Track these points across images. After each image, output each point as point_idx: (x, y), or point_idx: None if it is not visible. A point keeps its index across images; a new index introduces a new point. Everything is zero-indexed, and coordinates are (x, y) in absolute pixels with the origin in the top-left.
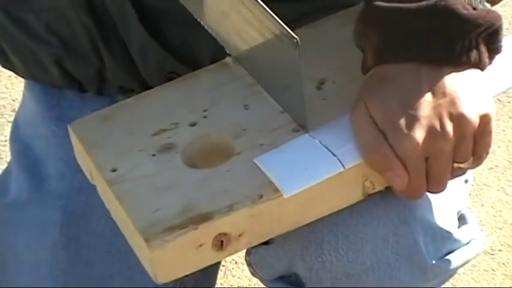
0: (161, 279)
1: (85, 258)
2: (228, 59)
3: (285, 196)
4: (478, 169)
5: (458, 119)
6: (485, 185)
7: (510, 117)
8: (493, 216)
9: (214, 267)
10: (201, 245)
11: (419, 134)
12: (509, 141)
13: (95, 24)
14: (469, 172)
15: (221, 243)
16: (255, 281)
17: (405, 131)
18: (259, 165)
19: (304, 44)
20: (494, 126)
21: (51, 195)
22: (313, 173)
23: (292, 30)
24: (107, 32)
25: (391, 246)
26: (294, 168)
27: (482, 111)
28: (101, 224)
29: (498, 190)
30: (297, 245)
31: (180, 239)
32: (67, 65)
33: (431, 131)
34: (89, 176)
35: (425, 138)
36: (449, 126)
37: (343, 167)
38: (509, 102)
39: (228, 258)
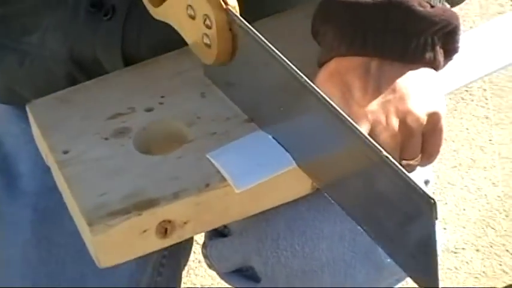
0: (104, 264)
1: (56, 257)
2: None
3: (236, 191)
4: (442, 167)
5: (405, 115)
6: (448, 183)
7: (473, 116)
8: (456, 214)
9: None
10: (144, 231)
11: (364, 127)
12: (473, 139)
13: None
14: (429, 172)
15: (165, 230)
16: (218, 280)
17: None
18: (211, 160)
19: (268, 35)
20: (444, 125)
21: (22, 194)
22: (266, 169)
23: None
24: (90, 77)
25: (347, 243)
26: (246, 164)
27: (431, 109)
28: (73, 224)
29: (462, 188)
30: (253, 239)
31: (123, 225)
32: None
33: (376, 125)
34: (45, 158)
35: (370, 134)
36: (395, 122)
37: (295, 163)
38: (473, 101)
39: (192, 257)
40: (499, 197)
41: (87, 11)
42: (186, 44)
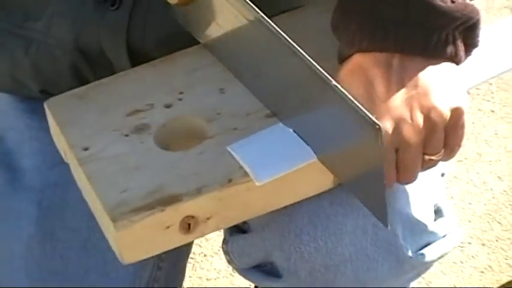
0: (127, 260)
1: (60, 253)
2: (207, 42)
3: (257, 184)
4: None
5: (429, 111)
6: (454, 177)
7: (479, 110)
8: (462, 208)
9: (184, 261)
10: (168, 227)
11: (388, 124)
12: (479, 133)
13: (86, 64)
14: (445, 165)
15: (188, 225)
16: (224, 274)
17: None
18: (232, 152)
19: (283, 31)
20: (466, 120)
21: (26, 189)
22: (286, 162)
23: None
24: (96, 70)
25: (370, 237)
26: (266, 157)
27: (454, 105)
28: (77, 219)
29: (467, 183)
30: (275, 234)
31: (146, 220)
32: (49, 91)
33: (400, 122)
34: (63, 155)
35: (395, 130)
36: (419, 118)
37: (316, 156)
38: (478, 95)
39: (197, 251)
40: (504, 191)
41: (94, 0)
42: (192, 38)
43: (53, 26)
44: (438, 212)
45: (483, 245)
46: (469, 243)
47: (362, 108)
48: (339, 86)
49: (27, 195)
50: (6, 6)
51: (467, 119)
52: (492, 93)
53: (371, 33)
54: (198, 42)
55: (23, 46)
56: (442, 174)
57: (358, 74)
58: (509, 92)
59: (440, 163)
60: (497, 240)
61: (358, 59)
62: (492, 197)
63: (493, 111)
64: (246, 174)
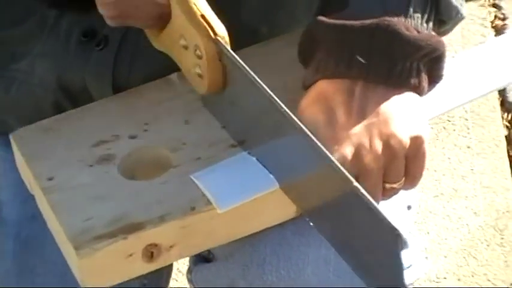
0: None
1: (38, 287)
2: (173, 75)
3: (218, 211)
4: (424, 196)
5: (388, 138)
6: (430, 212)
7: (455, 145)
8: (438, 244)
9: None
10: (130, 255)
11: (347, 150)
12: (454, 169)
13: (68, 101)
14: (412, 198)
15: (151, 254)
16: None
17: (333, 147)
18: (195, 181)
19: (253, 63)
20: (427, 148)
21: (3, 223)
22: (248, 190)
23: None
24: (78, 106)
25: (332, 267)
26: (229, 185)
27: (414, 133)
28: (55, 253)
29: (443, 218)
30: (238, 264)
31: (109, 248)
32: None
33: (359, 148)
34: (28, 186)
35: (354, 156)
36: (378, 145)
37: (278, 185)
38: (454, 130)
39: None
40: (480, 226)
41: (79, 40)
42: None
43: (36, 66)
44: (404, 244)
45: (459, 280)
46: (445, 278)
47: (317, 142)
48: (297, 120)
49: (4, 228)
50: None
51: (442, 154)
52: (468, 129)
53: (336, 61)
54: None
55: (4, 86)
56: (409, 207)
57: (321, 101)
58: (485, 128)
59: (406, 196)
60: (472, 276)
61: (321, 86)
62: (468, 232)
63: (469, 147)
64: (209, 202)
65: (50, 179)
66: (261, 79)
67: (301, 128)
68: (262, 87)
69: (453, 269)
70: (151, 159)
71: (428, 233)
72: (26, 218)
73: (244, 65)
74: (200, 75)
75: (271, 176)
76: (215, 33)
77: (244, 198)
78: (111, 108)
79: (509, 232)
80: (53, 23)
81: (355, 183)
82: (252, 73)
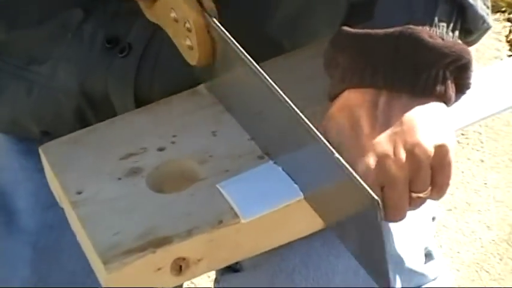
0: None
1: None
2: (200, 87)
3: (242, 221)
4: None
5: (413, 147)
6: (443, 226)
7: (468, 159)
8: (450, 257)
9: None
10: (159, 269)
11: (371, 159)
12: (468, 182)
13: (89, 108)
14: (436, 209)
15: (180, 267)
16: None
17: (358, 156)
18: (221, 190)
19: (274, 76)
20: (453, 158)
21: (21, 231)
22: (273, 200)
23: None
24: (99, 114)
25: (361, 278)
26: (254, 194)
27: (440, 142)
28: (73, 262)
29: (456, 232)
30: (267, 274)
31: (137, 262)
32: (50, 133)
33: (383, 157)
34: (58, 199)
35: (378, 165)
36: (402, 153)
37: (303, 195)
38: (468, 144)
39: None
40: (493, 240)
41: (102, 46)
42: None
43: (58, 70)
44: (428, 255)
45: None
46: None
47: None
48: (320, 136)
49: (22, 237)
50: (12, 49)
51: (455, 168)
52: (482, 142)
53: (361, 70)
54: None
55: (25, 89)
56: (433, 218)
57: (346, 111)
58: (499, 142)
59: (431, 207)
60: None
61: (346, 96)
62: (481, 246)
63: (482, 160)
64: (236, 215)
65: (79, 192)
66: (284, 91)
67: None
68: (250, 61)
69: (466, 283)
70: (178, 172)
71: (441, 246)
72: (44, 227)
73: (231, 38)
74: (190, 47)
75: (296, 185)
76: (203, 7)
77: (268, 208)
78: (139, 120)
79: None
80: (77, 27)
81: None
82: (240, 48)
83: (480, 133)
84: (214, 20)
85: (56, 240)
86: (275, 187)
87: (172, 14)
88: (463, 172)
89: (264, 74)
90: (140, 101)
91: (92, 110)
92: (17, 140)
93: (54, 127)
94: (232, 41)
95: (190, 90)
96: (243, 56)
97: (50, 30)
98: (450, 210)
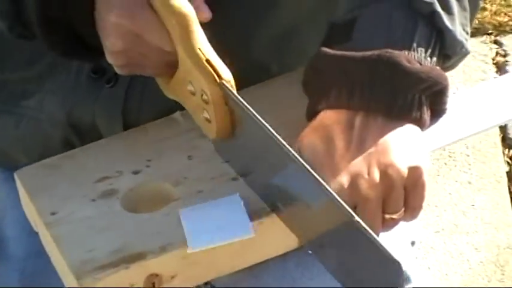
0: None
1: None
2: (176, 114)
3: (188, 251)
4: (425, 232)
5: (386, 168)
6: (431, 248)
7: (456, 181)
8: (439, 279)
9: None
10: (132, 285)
11: (345, 179)
12: (455, 204)
13: (76, 137)
14: (415, 234)
15: (153, 284)
16: None
17: (331, 176)
18: (180, 217)
19: (252, 103)
20: (426, 180)
21: (9, 258)
22: (223, 234)
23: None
24: (86, 143)
25: None
26: (207, 226)
27: (413, 164)
28: (61, 285)
29: (444, 253)
30: None
31: (111, 278)
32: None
33: (357, 178)
34: (33, 223)
35: (351, 185)
36: (376, 173)
37: (253, 233)
38: (456, 166)
39: None
40: (481, 262)
41: (89, 76)
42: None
43: (46, 102)
44: (406, 280)
45: None
46: None
47: (317, 176)
48: (296, 155)
49: (10, 264)
50: (6, 87)
51: (443, 189)
52: (469, 164)
53: (338, 91)
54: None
55: (13, 122)
56: (412, 243)
57: (320, 130)
58: (486, 164)
59: (410, 231)
60: None
61: (322, 116)
62: (469, 268)
63: (470, 182)
64: None
65: (53, 213)
66: (267, 117)
67: (302, 162)
68: (268, 129)
69: None
70: (153, 193)
71: (429, 268)
72: (31, 254)
73: (250, 108)
74: (208, 120)
75: (251, 223)
76: (220, 78)
77: (217, 242)
78: (115, 145)
79: (510, 268)
80: (64, 62)
81: (356, 218)
82: (258, 116)
83: (468, 155)
84: (232, 90)
85: (43, 266)
86: (230, 222)
87: (189, 87)
88: (450, 194)
89: (252, 110)
90: (128, 129)
91: (80, 140)
92: (4, 168)
93: (41, 157)
94: (252, 111)
95: (167, 118)
96: (261, 124)
97: (39, 70)
98: (438, 232)
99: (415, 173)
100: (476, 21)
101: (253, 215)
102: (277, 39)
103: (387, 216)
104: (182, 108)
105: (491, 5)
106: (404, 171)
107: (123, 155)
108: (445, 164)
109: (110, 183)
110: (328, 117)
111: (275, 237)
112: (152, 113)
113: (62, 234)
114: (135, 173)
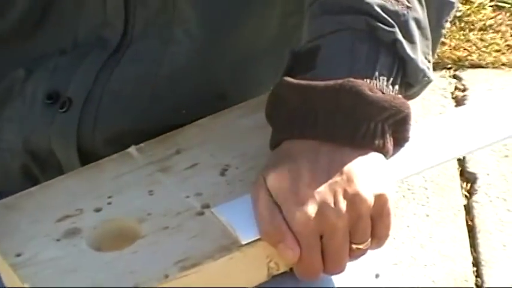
0: None
1: None
2: (131, 149)
3: (242, 242)
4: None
5: (352, 197)
6: (389, 280)
7: (414, 214)
8: None
9: None
10: None
11: (311, 208)
12: (413, 237)
13: (35, 164)
14: (380, 266)
15: None
16: None
17: (298, 205)
18: (216, 214)
19: (207, 134)
20: (392, 207)
21: None
22: None
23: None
24: (45, 170)
25: None
26: (246, 219)
27: (378, 191)
28: None
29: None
30: None
31: None
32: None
33: (324, 207)
34: None
35: (318, 214)
36: (342, 204)
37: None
38: (414, 199)
39: None
40: None
41: (43, 103)
42: (142, 135)
43: (4, 130)
44: None
45: None
46: None
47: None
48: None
49: None
50: None
51: (401, 222)
52: (427, 197)
53: (301, 122)
54: (148, 139)
55: None
56: (377, 275)
57: (285, 161)
58: (445, 197)
59: (375, 263)
60: None
61: (287, 146)
62: None
63: (428, 215)
64: (182, 268)
65: (18, 255)
66: (221, 149)
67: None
68: None
69: None
70: (118, 230)
71: None
72: None
73: None
74: None
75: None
76: None
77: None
78: (72, 183)
79: None
80: (20, 88)
81: None
82: None
83: (426, 188)
84: None
85: None
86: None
87: None
88: (408, 226)
89: None
90: (84, 154)
91: (38, 167)
92: None
93: (3, 186)
94: None
95: (121, 153)
96: None
97: None
98: (396, 264)
99: (380, 200)
100: (436, 56)
101: (223, 250)
102: (234, 65)
103: (354, 246)
104: (137, 130)
105: (451, 40)
106: (371, 200)
107: (82, 192)
108: (404, 196)
109: (73, 221)
110: (292, 146)
111: (244, 270)
112: (106, 138)
113: (30, 276)
114: (97, 210)
